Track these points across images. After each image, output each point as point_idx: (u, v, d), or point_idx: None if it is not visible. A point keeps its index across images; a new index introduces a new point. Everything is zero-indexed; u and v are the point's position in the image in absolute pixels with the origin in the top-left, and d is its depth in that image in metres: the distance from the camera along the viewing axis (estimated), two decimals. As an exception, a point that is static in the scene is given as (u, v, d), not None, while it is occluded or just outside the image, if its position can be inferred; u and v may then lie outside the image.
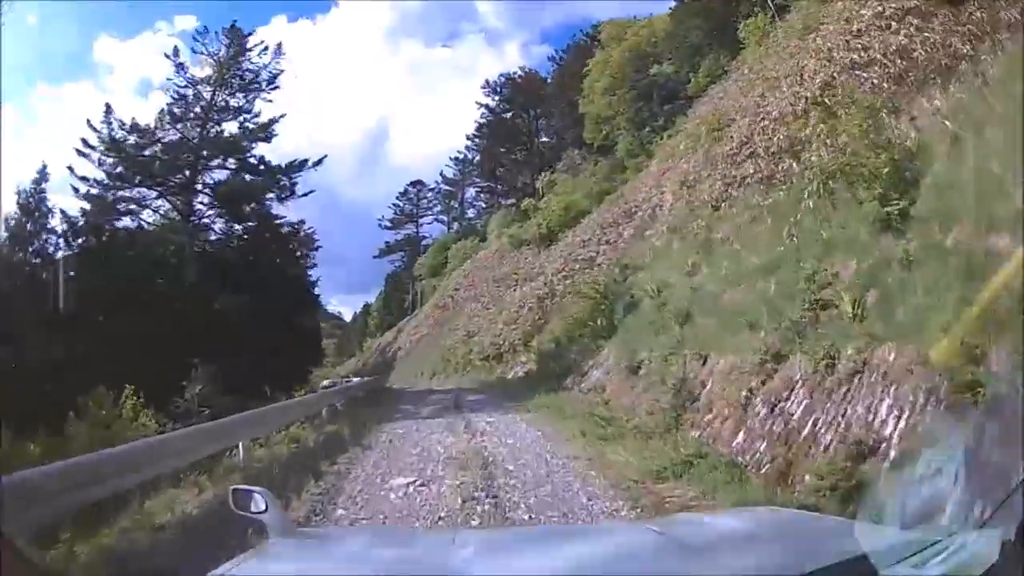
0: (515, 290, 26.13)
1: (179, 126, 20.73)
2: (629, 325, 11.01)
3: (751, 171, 10.04)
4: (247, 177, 21.45)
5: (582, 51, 34.95)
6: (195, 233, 20.04)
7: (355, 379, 26.96)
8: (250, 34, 22.51)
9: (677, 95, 22.81)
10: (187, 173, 20.37)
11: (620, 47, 27.37)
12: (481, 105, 47.44)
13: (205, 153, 20.95)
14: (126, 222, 19.86)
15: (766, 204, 8.66)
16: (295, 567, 1.41)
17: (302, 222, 23.80)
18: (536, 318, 20.81)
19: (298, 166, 22.39)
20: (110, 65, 79.32)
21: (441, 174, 59.38)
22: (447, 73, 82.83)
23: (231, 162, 21.49)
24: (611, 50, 27.75)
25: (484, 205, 53.84)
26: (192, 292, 17.51)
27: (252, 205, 21.60)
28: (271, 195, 22.02)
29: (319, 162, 23.75)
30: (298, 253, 23.86)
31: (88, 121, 19.51)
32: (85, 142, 19.09)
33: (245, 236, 21.21)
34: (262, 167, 21.81)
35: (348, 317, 72.58)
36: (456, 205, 58.70)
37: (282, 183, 22.00)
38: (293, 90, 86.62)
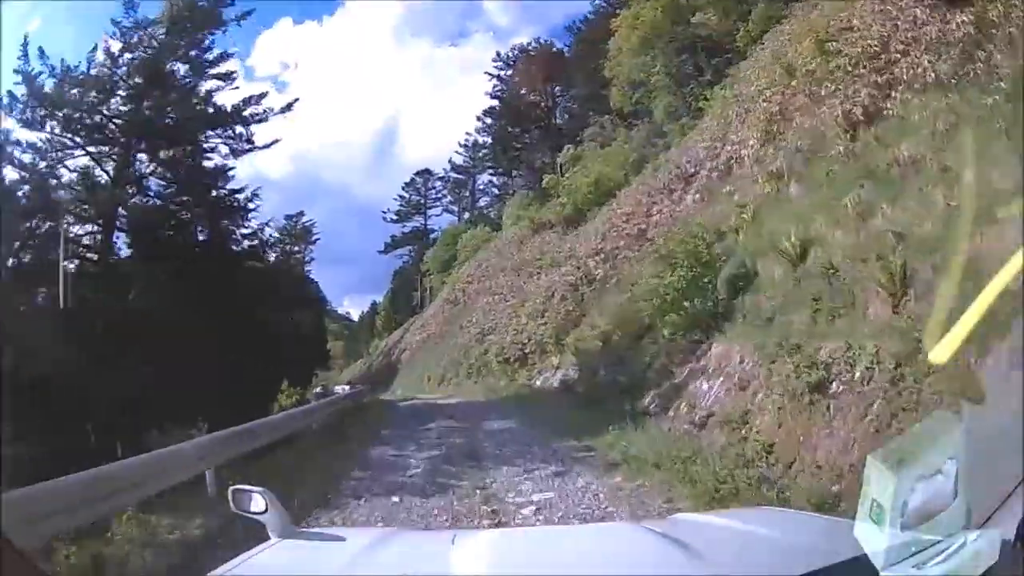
0: (539, 278, 24.07)
1: (118, 68, 17.25)
2: (755, 307, 7.64)
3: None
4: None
5: (604, 17, 32.29)
6: (117, 194, 16.42)
7: (340, 389, 24.58)
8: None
9: (723, 48, 20.98)
10: (117, 121, 16.77)
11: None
12: (494, 75, 44.64)
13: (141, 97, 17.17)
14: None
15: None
16: (295, 567, 1.42)
17: (255, 192, 19.10)
18: (569, 309, 18.58)
19: (257, 100, 18.56)
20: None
21: (450, 161, 56.57)
22: (456, 72, 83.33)
23: (172, 103, 17.49)
24: (641, 5, 25.18)
25: (497, 191, 51.87)
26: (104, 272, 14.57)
27: (186, 151, 17.24)
28: (217, 144, 17.88)
29: (288, 107, 20.08)
30: (243, 227, 19.12)
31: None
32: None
33: (177, 199, 17.44)
34: (211, 110, 17.71)
35: (357, 318, 71.47)
36: (467, 194, 56.34)
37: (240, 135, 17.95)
38: (302, 91, 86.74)
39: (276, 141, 19.59)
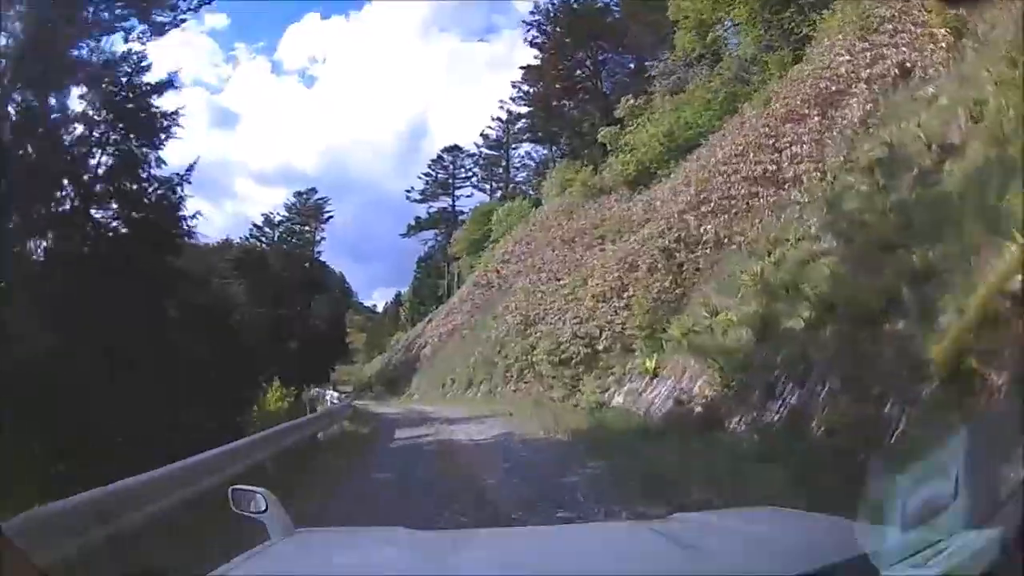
0: (603, 248, 19.81)
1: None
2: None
3: None
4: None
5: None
6: None
7: (330, 396, 24.35)
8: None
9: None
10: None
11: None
12: (531, 23, 39.99)
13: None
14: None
15: None
16: (295, 567, 1.45)
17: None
18: (665, 285, 13.54)
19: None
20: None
21: (482, 135, 52.29)
22: (483, 67, 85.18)
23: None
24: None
25: (536, 164, 47.51)
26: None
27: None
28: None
29: (169, 84, 14.77)
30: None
31: None
32: None
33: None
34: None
35: (382, 309, 70.19)
36: (500, 170, 52.27)
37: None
38: (329, 85, 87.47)
39: (179, 113, 14.79)
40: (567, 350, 14.96)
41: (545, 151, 45.00)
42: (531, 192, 41.54)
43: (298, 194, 50.73)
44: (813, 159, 12.18)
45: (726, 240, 12.95)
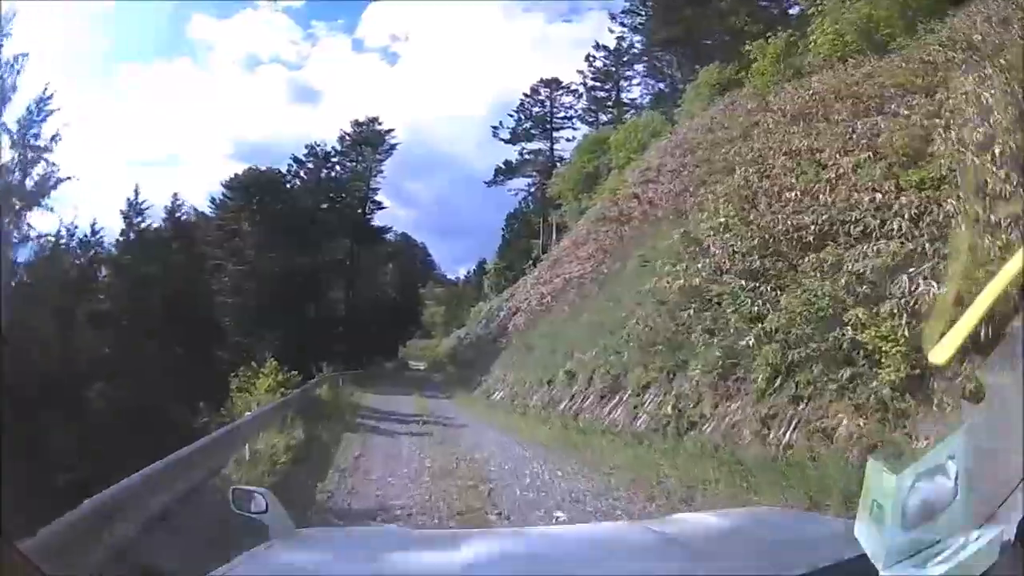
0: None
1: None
2: None
3: None
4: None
5: None
6: None
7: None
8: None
9: None
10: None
11: None
12: None
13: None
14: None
15: None
16: (295, 567, 1.44)
17: None
18: None
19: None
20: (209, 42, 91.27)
21: (587, 59, 43.15)
22: (568, 48, 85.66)
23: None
24: None
25: (661, 83, 38.09)
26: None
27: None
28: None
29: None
30: None
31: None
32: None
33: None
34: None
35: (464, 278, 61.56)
36: (610, 103, 42.74)
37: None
38: (414, 65, 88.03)
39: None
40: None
41: (681, 59, 34.85)
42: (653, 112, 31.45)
43: (356, 123, 41.59)
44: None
45: None
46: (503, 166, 42.65)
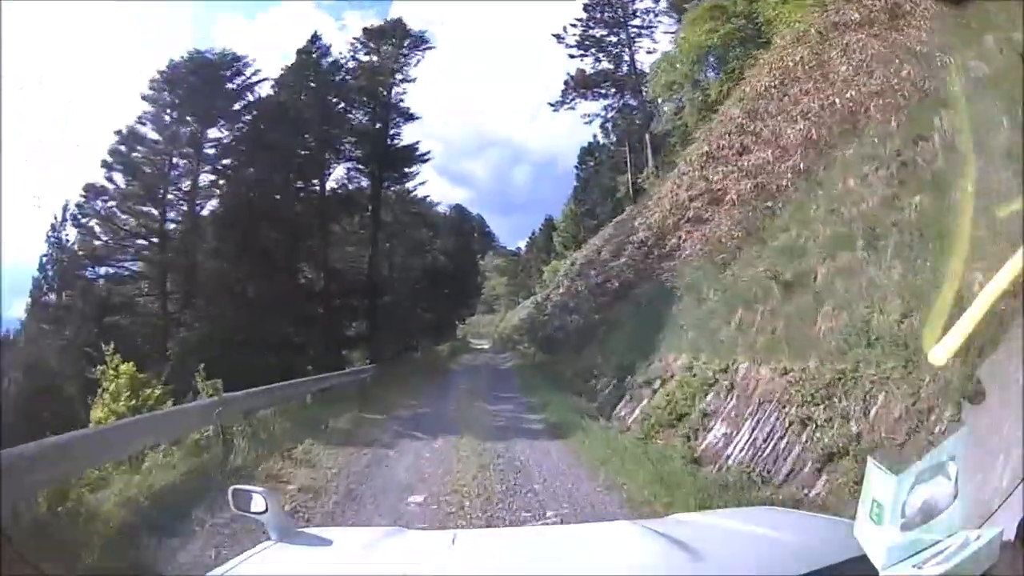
0: None
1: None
2: None
3: None
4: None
5: None
6: None
7: None
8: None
9: None
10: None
11: None
12: None
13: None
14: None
15: None
16: (295, 567, 1.44)
17: None
18: None
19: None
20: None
21: None
22: None
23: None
24: None
25: None
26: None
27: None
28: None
29: None
30: None
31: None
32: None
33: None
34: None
35: (526, 245, 51.37)
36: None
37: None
38: (453, 49, 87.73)
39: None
40: None
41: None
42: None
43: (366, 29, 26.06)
44: None
45: None
46: (569, 82, 29.16)
